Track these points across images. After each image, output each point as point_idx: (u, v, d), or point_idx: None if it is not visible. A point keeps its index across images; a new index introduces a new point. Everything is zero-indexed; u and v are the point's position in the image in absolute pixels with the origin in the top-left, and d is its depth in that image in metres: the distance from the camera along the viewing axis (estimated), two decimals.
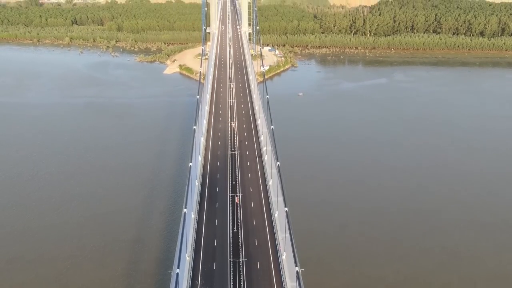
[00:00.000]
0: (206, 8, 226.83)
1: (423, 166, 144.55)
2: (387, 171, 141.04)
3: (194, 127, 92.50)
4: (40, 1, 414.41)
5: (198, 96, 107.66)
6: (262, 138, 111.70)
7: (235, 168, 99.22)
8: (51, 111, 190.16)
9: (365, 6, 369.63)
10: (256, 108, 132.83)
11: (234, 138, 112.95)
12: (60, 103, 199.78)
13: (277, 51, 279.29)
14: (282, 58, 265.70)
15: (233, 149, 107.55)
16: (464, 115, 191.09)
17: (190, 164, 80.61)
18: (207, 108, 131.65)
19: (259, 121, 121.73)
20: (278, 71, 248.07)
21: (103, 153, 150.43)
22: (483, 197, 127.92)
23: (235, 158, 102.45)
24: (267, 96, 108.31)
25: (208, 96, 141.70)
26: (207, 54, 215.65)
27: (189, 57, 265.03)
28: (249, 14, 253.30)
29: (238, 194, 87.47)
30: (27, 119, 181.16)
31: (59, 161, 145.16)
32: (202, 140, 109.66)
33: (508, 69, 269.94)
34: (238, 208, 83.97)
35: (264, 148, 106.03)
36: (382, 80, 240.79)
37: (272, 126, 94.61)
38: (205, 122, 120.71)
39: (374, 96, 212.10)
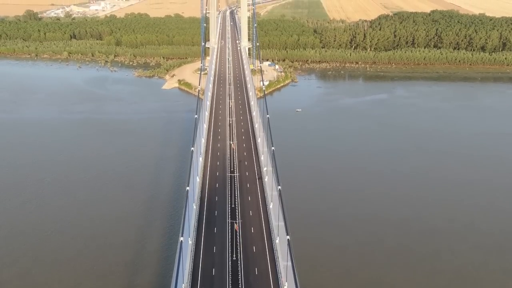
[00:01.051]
0: (205, 24, 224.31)
1: (425, 185, 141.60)
2: (391, 192, 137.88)
3: (192, 148, 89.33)
4: (39, 15, 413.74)
5: (196, 116, 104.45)
6: (262, 158, 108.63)
7: (234, 190, 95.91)
8: (46, 127, 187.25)
9: (365, 21, 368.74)
10: (256, 126, 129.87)
11: (233, 158, 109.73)
12: (56, 119, 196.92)
13: (277, 66, 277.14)
14: (282, 73, 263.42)
15: (232, 170, 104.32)
16: (467, 132, 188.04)
17: (188, 188, 77.21)
18: (205, 126, 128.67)
19: (259, 140, 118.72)
20: (278, 86, 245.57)
21: (96, 173, 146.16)
22: (488, 215, 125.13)
23: (234, 180, 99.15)
24: (268, 116, 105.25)
25: (207, 114, 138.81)
26: (206, 69, 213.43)
27: (188, 72, 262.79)
28: (248, 29, 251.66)
29: (237, 221, 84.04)
30: (21, 136, 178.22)
31: (50, 180, 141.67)
32: (201, 160, 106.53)
33: (509, 84, 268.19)
34: (238, 235, 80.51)
35: (265, 169, 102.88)
36: (383, 95, 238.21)
37: (272, 148, 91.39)
38: (203, 141, 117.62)
39: (375, 112, 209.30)
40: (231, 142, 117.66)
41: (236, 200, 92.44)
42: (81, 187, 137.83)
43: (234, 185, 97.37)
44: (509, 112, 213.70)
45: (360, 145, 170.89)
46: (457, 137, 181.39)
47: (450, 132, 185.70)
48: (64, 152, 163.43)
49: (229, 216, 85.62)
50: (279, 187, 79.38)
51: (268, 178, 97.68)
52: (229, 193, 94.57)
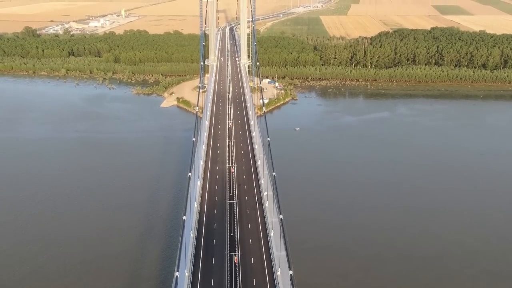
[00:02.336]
0: (204, 43, 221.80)
1: (428, 208, 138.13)
2: (392, 214, 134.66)
3: (189, 174, 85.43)
4: (38, 32, 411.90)
5: (193, 139, 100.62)
6: (262, 181, 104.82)
7: (233, 217, 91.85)
8: (40, 147, 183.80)
9: (365, 38, 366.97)
10: (256, 147, 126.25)
11: (232, 182, 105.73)
12: (51, 138, 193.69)
13: (276, 84, 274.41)
14: (282, 91, 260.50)
15: (231, 194, 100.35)
16: (470, 152, 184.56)
17: (184, 217, 73.22)
18: (204, 147, 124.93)
19: (259, 162, 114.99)
20: (278, 104, 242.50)
21: (87, 199, 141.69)
22: (491, 241, 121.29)
23: (233, 206, 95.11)
24: (268, 139, 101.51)
25: (206, 134, 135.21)
26: (205, 86, 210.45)
27: (187, 90, 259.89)
28: (248, 46, 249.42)
29: (236, 253, 79.87)
30: (11, 155, 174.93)
31: (40, 203, 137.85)
32: (199, 184, 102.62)
33: None
34: (237, 267, 76.35)
35: (265, 193, 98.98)
36: (385, 113, 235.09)
37: (274, 173, 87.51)
38: (201, 163, 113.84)
39: (376, 131, 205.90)
40: (230, 166, 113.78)
41: (236, 227, 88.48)
42: (66, 215, 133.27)
43: (234, 212, 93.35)
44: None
45: (362, 167, 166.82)
46: (461, 158, 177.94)
47: (454, 152, 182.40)
48: (53, 172, 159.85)
49: (228, 247, 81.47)
50: (281, 216, 75.45)
51: (269, 204, 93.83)
52: (228, 220, 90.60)
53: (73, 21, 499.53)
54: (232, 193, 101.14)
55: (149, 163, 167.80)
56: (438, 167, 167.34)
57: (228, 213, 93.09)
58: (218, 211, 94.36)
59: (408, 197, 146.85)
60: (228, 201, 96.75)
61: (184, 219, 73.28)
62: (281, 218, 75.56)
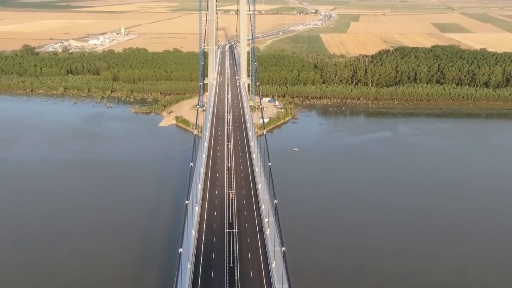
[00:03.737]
0: (202, 62, 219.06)
1: (434, 234, 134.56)
2: (394, 237, 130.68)
3: (186, 201, 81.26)
4: (37, 50, 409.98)
5: (191, 164, 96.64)
6: (263, 207, 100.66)
7: (233, 245, 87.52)
8: (31, 168, 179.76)
9: (366, 56, 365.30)
10: (256, 170, 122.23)
11: (232, 208, 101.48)
12: (45, 158, 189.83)
13: (277, 102, 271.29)
14: (282, 110, 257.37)
15: (231, 221, 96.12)
16: (473, 173, 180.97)
17: (181, 250, 69.02)
18: (202, 170, 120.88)
19: (259, 186, 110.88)
20: (278, 123, 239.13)
21: (77, 224, 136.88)
22: (497, 266, 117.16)
23: (233, 235, 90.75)
24: (270, 164, 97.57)
25: (204, 156, 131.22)
26: (204, 105, 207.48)
27: (186, 109, 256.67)
28: (248, 64, 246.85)
29: (236, 286, 75.46)
30: (5, 177, 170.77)
31: (27, 226, 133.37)
32: (197, 209, 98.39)
33: None
34: None
35: (266, 220, 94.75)
36: (386, 133, 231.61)
37: (275, 201, 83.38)
38: (200, 187, 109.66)
39: (378, 151, 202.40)
40: (230, 191, 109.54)
41: (235, 256, 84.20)
42: (55, 239, 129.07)
43: (233, 240, 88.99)
44: None
45: (363, 190, 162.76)
46: (465, 180, 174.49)
47: (457, 175, 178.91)
48: (44, 196, 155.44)
49: (228, 279, 77.05)
50: (283, 248, 71.21)
51: (270, 231, 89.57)
52: (227, 249, 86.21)
53: (73, 38, 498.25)
54: (232, 220, 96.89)
55: (145, 185, 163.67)
56: (442, 190, 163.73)
57: (227, 242, 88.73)
58: (216, 240, 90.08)
59: (410, 220, 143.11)
60: (227, 230, 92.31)
61: (180, 252, 68.95)
62: (283, 250, 71.25)
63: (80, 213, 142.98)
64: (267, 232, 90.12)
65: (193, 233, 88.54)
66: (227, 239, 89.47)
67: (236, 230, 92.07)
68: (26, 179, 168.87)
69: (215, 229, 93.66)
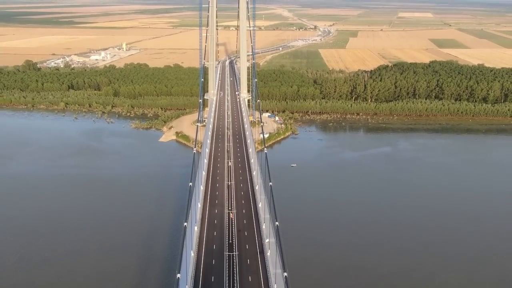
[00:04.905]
0: (202, 79, 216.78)
1: (431, 250, 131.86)
2: (395, 255, 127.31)
3: (185, 223, 77.91)
4: (39, 66, 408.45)
5: (190, 183, 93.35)
6: (263, 227, 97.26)
7: (233, 268, 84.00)
8: (30, 184, 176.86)
9: (365, 71, 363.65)
10: (257, 188, 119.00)
11: (232, 229, 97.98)
12: (43, 174, 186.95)
13: (277, 118, 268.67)
14: (282, 125, 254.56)
15: (231, 242, 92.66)
16: (474, 190, 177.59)
17: (179, 275, 65.55)
18: (202, 188, 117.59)
19: (259, 205, 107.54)
20: (278, 138, 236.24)
21: (73, 241, 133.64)
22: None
23: (233, 257, 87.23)
24: (270, 183, 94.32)
25: (204, 174, 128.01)
26: (205, 120, 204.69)
27: (186, 124, 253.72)
28: (248, 80, 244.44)
29: None
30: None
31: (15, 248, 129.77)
32: (196, 229, 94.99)
33: None
34: None
35: (267, 240, 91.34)
36: (386, 148, 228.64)
37: (276, 223, 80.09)
38: (199, 205, 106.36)
39: (378, 167, 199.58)
40: (230, 211, 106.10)
41: (235, 280, 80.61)
42: (51, 258, 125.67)
43: (233, 263, 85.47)
44: None
45: (364, 208, 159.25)
46: (465, 199, 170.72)
47: (457, 193, 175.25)
48: (38, 214, 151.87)
49: None
50: (285, 274, 67.73)
51: (271, 252, 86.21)
52: (227, 272, 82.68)
53: (75, 54, 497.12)
54: (232, 240, 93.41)
55: (144, 202, 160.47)
56: (442, 208, 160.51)
57: (227, 264, 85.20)
58: (216, 262, 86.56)
59: (410, 238, 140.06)
60: (227, 253, 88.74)
61: (178, 277, 65.46)
62: (285, 276, 67.80)
63: (75, 232, 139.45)
64: (268, 254, 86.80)
65: (192, 254, 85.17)
66: (227, 261, 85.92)
67: (236, 252, 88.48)
68: (22, 196, 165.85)
69: (215, 251, 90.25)
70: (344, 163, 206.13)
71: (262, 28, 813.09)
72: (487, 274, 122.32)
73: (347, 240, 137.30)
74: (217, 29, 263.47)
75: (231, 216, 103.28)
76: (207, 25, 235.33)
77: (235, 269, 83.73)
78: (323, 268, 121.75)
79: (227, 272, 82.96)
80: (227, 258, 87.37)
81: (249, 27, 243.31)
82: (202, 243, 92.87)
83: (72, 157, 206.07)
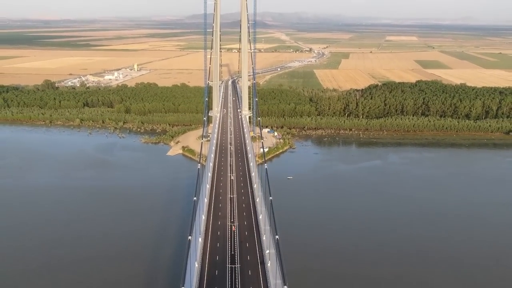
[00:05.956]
0: (207, 98, 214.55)
1: (423, 260, 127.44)
2: (389, 265, 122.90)
3: (189, 237, 74.68)
4: (57, 85, 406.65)
5: (194, 198, 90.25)
6: (264, 238, 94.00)
7: (235, 279, 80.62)
8: (43, 194, 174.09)
9: (356, 90, 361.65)
10: (257, 200, 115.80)
11: (234, 241, 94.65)
12: (56, 185, 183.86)
13: (275, 133, 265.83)
14: (280, 140, 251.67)
15: (233, 253, 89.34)
16: (458, 201, 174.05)
17: None
18: (206, 201, 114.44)
19: (260, 217, 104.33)
20: (277, 152, 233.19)
21: (81, 252, 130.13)
22: None
23: (235, 270, 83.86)
24: (271, 198, 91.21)
25: (208, 187, 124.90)
26: (209, 135, 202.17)
27: (192, 139, 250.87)
28: (249, 98, 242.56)
29: None
30: (15, 204, 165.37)
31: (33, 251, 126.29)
32: (200, 241, 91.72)
33: (495, 150, 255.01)
34: None
35: (267, 251, 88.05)
36: (377, 162, 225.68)
37: (277, 236, 76.87)
38: (203, 218, 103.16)
39: (370, 179, 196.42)
40: (232, 224, 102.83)
41: None
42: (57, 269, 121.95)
43: (235, 274, 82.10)
44: (500, 181, 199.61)
45: (359, 220, 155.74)
46: (451, 208, 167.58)
47: (444, 203, 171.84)
48: (49, 222, 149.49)
49: None
50: (285, 287, 64.43)
51: (271, 263, 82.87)
52: (229, 284, 79.25)
53: (90, 74, 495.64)
54: (234, 251, 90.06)
55: (152, 211, 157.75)
56: (431, 218, 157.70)
57: (229, 276, 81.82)
58: (219, 272, 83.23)
59: (407, 244, 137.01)
60: (229, 265, 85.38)
61: None
62: None
63: (82, 240, 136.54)
64: (268, 264, 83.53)
65: (196, 265, 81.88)
66: (229, 273, 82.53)
67: (238, 265, 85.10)
68: (37, 206, 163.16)
69: (218, 262, 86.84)
70: (337, 175, 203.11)
71: (262, 50, 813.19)
72: (480, 278, 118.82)
73: (340, 246, 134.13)
74: (220, 52, 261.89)
75: (233, 229, 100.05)
76: (211, 48, 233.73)
77: (237, 280, 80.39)
78: (320, 275, 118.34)
79: (229, 283, 79.56)
80: (229, 270, 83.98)
81: (250, 49, 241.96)
82: (205, 254, 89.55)
83: (86, 170, 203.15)
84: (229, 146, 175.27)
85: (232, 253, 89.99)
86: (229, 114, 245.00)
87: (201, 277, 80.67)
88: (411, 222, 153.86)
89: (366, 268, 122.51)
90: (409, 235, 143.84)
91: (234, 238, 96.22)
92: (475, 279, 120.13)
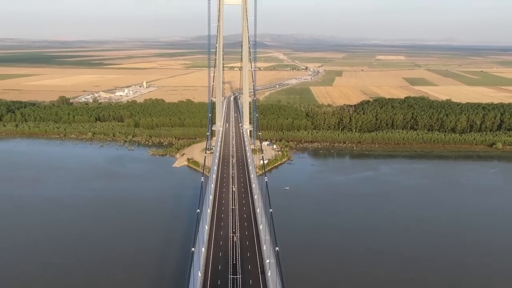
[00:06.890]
0: (210, 114, 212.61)
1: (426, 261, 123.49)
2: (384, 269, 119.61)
3: (193, 249, 71.91)
4: (71, 101, 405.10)
5: (198, 210, 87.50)
6: (264, 247, 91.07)
7: None
8: (55, 204, 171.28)
9: (349, 105, 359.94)
10: (258, 211, 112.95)
11: (235, 250, 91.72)
12: (68, 196, 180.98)
13: (274, 146, 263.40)
14: (279, 152, 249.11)
15: (234, 263, 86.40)
16: (446, 209, 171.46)
17: None
18: (209, 211, 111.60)
19: (260, 227, 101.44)
20: (276, 164, 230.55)
21: (88, 260, 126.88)
22: None
23: (236, 281, 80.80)
24: (271, 210, 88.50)
25: (211, 198, 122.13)
26: (212, 148, 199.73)
27: (196, 151, 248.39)
28: (250, 113, 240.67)
29: None
30: (29, 213, 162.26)
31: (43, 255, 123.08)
32: (203, 250, 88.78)
33: (479, 161, 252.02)
34: None
35: (267, 261, 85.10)
36: (369, 173, 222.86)
37: (277, 248, 74.02)
38: (207, 228, 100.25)
39: (363, 188, 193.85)
40: (234, 234, 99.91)
41: None
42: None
43: (236, 285, 79.04)
44: (483, 190, 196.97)
45: (353, 227, 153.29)
46: (440, 216, 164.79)
47: (433, 211, 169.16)
48: (60, 230, 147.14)
49: None
50: None
51: (272, 272, 79.88)
52: None
53: (102, 91, 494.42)
54: (236, 261, 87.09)
55: (158, 219, 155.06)
56: (421, 225, 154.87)
57: (231, 285, 78.80)
58: (221, 281, 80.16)
59: (403, 250, 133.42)
60: (231, 276, 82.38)
61: None
62: None
63: (87, 246, 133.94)
64: (269, 274, 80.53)
65: (199, 275, 78.90)
66: (231, 284, 79.44)
67: (240, 276, 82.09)
68: (50, 214, 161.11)
69: (220, 271, 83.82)
70: (332, 186, 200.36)
71: (262, 68, 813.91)
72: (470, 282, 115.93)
73: (336, 249, 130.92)
74: (223, 70, 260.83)
75: (234, 240, 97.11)
76: (215, 66, 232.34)
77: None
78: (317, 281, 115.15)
79: None
80: (231, 281, 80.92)
81: (251, 68, 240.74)
82: (208, 263, 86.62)
83: (96, 180, 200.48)
84: (231, 158, 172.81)
85: (234, 262, 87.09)
86: (231, 128, 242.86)
87: (203, 286, 77.69)
88: (405, 229, 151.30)
89: (362, 274, 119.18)
90: (403, 241, 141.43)
91: (235, 248, 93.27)
92: (466, 281, 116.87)
